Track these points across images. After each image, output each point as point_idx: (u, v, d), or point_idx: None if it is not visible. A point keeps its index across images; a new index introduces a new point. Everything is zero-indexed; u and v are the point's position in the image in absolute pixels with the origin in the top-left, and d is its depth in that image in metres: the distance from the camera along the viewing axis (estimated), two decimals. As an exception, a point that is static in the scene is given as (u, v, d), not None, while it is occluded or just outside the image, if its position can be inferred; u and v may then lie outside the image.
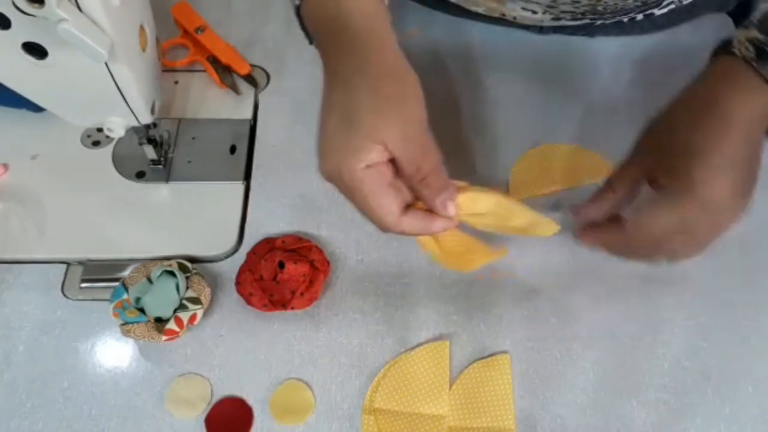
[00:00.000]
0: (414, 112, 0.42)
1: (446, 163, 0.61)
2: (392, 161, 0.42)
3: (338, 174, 0.41)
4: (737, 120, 0.43)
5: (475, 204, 0.45)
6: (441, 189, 0.42)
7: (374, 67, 0.42)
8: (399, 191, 0.43)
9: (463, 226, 0.46)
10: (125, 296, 0.51)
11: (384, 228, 0.43)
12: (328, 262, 0.54)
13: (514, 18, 0.66)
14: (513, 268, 0.55)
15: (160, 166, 0.59)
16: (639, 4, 0.61)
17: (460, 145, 0.62)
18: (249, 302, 0.52)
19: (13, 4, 0.37)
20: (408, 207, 0.44)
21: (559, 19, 0.65)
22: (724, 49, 0.45)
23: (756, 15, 0.46)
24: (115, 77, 0.45)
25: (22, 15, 0.38)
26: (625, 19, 0.66)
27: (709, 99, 0.44)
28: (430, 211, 0.43)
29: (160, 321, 0.50)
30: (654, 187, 0.46)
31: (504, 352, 0.52)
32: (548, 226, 0.47)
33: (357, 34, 0.44)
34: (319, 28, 0.47)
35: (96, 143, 0.61)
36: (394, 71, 0.43)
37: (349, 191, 0.42)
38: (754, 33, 0.44)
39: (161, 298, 0.50)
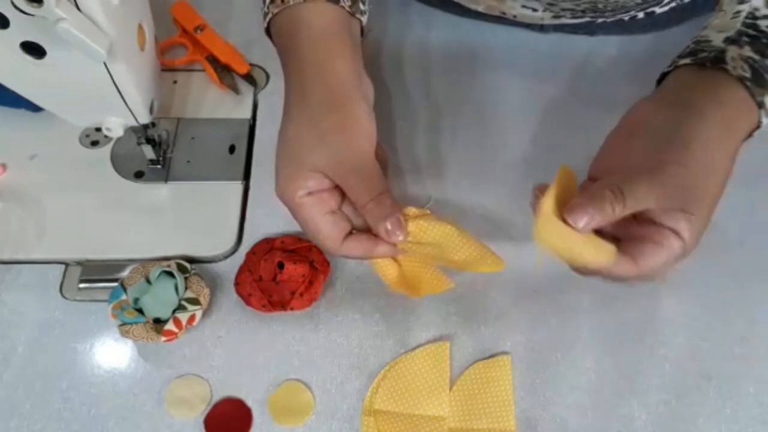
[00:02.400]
0: (351, 142, 0.44)
1: (445, 163, 0.62)
2: (338, 188, 0.44)
3: (283, 200, 0.45)
4: (736, 156, 0.43)
5: (424, 233, 0.45)
6: (384, 216, 0.43)
7: (314, 98, 0.45)
8: (342, 218, 0.45)
9: None
10: (124, 297, 0.51)
11: (327, 251, 0.46)
12: (328, 263, 0.54)
13: (514, 16, 0.66)
14: (513, 269, 0.55)
15: (159, 166, 0.59)
16: (639, 1, 0.61)
17: (459, 144, 0.62)
18: (248, 303, 0.52)
19: (12, 3, 0.37)
20: (353, 232, 0.45)
21: (559, 17, 0.65)
22: (714, 63, 0.44)
23: (736, 23, 0.46)
24: (113, 77, 0.45)
25: (21, 14, 0.37)
26: (626, 18, 0.66)
27: (722, 128, 0.42)
28: (376, 235, 0.44)
29: (158, 322, 0.50)
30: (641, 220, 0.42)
31: (504, 352, 0.52)
32: (495, 262, 0.46)
33: (302, 64, 0.46)
34: (279, 52, 0.50)
35: (94, 143, 0.60)
36: (334, 102, 0.45)
37: (295, 215, 0.45)
38: (748, 51, 0.44)
39: (160, 298, 0.50)
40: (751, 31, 0.45)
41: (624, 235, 0.42)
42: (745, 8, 0.46)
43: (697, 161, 0.41)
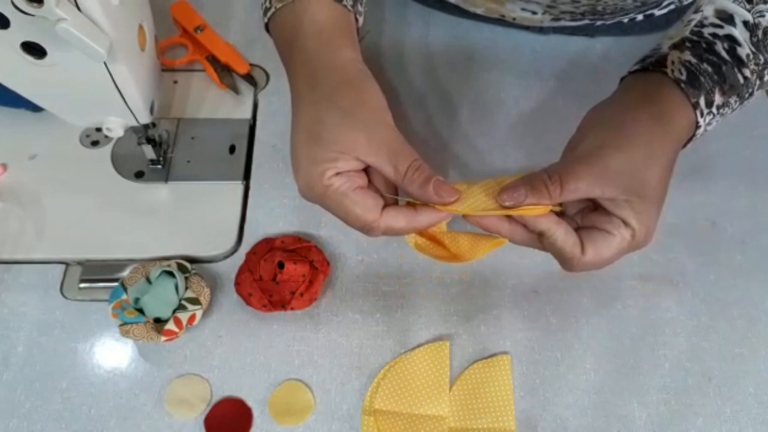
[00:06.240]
0: (374, 117, 0.43)
1: (445, 164, 0.62)
2: (366, 171, 0.43)
3: (310, 187, 0.43)
4: (675, 153, 0.45)
5: (466, 193, 0.43)
6: (427, 178, 0.42)
7: (328, 82, 0.44)
8: (375, 191, 0.43)
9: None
10: (124, 297, 0.51)
11: (367, 227, 0.43)
12: (328, 263, 0.54)
13: (514, 19, 0.66)
14: (513, 269, 0.55)
15: (159, 166, 0.59)
16: (638, 4, 0.61)
17: (459, 145, 0.62)
18: (248, 303, 0.52)
19: (12, 3, 0.37)
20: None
21: (558, 19, 0.65)
22: (657, 66, 0.47)
23: (685, 31, 0.48)
24: (114, 77, 0.45)
25: (21, 14, 0.38)
26: (625, 20, 0.66)
27: (662, 126, 0.45)
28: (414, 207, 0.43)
29: (159, 321, 0.50)
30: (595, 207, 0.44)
31: (504, 352, 0.52)
32: (540, 208, 0.43)
33: (308, 56, 0.46)
34: (280, 49, 0.49)
35: (95, 143, 0.60)
36: (348, 82, 0.44)
37: (324, 200, 0.43)
38: (688, 56, 0.47)
39: (160, 298, 0.50)
40: (694, 38, 0.48)
41: (586, 224, 0.44)
42: (696, 17, 0.49)
43: (632, 147, 0.43)
